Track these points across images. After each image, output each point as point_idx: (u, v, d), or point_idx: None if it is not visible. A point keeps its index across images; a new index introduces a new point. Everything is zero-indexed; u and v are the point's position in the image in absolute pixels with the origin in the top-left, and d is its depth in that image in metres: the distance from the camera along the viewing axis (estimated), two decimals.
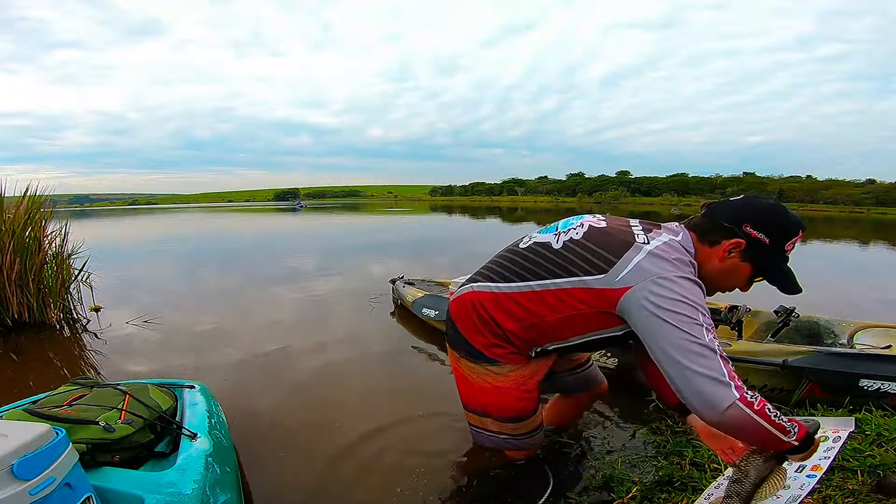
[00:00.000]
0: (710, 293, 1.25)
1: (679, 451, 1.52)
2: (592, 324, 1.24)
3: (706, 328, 1.04)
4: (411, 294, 3.68)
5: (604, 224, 1.28)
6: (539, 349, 1.37)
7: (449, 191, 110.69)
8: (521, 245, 1.39)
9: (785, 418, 1.00)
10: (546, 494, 1.38)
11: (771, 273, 1.19)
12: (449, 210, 33.97)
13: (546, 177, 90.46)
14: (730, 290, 1.27)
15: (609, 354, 2.32)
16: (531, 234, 1.41)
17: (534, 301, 1.27)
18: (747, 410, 0.96)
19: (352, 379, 2.63)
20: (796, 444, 1.00)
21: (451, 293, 3.51)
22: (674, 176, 69.84)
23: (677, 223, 1.27)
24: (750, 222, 1.15)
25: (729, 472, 1.17)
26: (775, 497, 1.09)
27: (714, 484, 1.27)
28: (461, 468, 1.67)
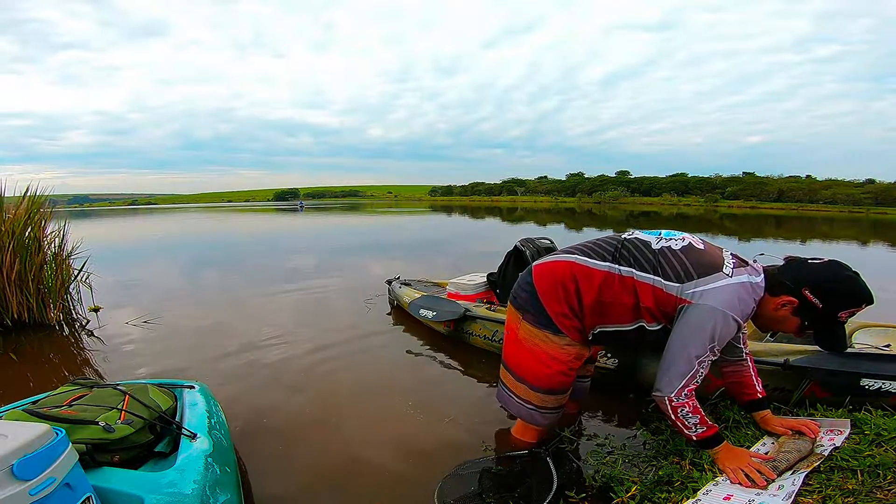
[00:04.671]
0: (764, 330, 1.51)
1: (679, 451, 1.52)
2: (650, 316, 1.46)
3: (709, 353, 1.32)
4: (408, 295, 3.67)
5: (702, 246, 1.47)
6: (598, 330, 1.55)
7: (449, 191, 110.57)
8: (624, 236, 1.57)
9: (694, 421, 1.35)
10: (550, 495, 1.38)
11: (816, 332, 1.40)
12: (448, 210, 33.97)
13: (546, 177, 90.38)
14: (783, 332, 1.46)
15: (609, 355, 2.32)
16: (634, 230, 1.60)
17: (617, 283, 1.46)
18: (667, 404, 1.36)
19: (350, 380, 2.63)
20: (695, 439, 1.37)
21: (449, 294, 3.52)
22: (673, 176, 69.71)
23: (761, 265, 1.45)
24: (810, 286, 1.32)
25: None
26: (772, 496, 1.16)
27: (713, 482, 1.28)
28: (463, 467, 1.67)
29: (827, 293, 1.31)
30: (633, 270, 1.45)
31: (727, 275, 1.36)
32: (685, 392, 1.34)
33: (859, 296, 1.30)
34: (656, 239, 1.50)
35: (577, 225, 17.96)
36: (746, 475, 1.25)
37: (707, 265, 1.38)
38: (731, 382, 1.60)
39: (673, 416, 1.37)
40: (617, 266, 1.47)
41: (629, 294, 1.46)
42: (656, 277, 1.41)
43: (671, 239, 1.49)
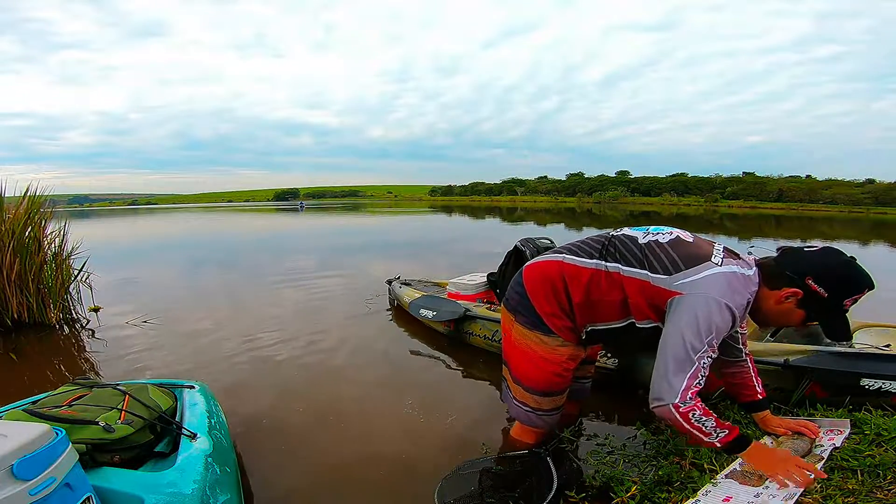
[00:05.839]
0: (762, 326, 1.48)
1: (679, 451, 1.51)
2: (639, 312, 1.42)
3: (707, 347, 1.23)
4: (408, 294, 3.67)
5: (690, 239, 1.43)
6: (589, 329, 1.52)
7: (449, 191, 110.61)
8: (611, 233, 1.55)
9: (711, 425, 1.22)
10: (550, 495, 1.38)
11: (823, 323, 1.35)
12: (448, 210, 33.95)
13: (546, 177, 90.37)
14: (784, 327, 1.44)
15: (609, 355, 2.32)
16: (623, 227, 1.57)
17: (605, 280, 1.43)
18: (674, 412, 1.21)
19: (350, 380, 2.63)
20: (719, 445, 1.24)
21: (449, 294, 3.52)
22: (673, 176, 69.68)
23: (754, 258, 1.41)
24: (813, 276, 1.27)
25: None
26: (772, 497, 1.15)
27: (711, 482, 1.27)
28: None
29: (831, 282, 1.26)
30: (620, 266, 1.42)
31: (716, 264, 1.30)
32: (689, 394, 1.21)
33: (862, 281, 1.26)
34: (643, 234, 1.47)
35: (578, 225, 17.95)
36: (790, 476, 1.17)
37: (695, 256, 1.34)
38: (731, 383, 1.59)
39: (686, 425, 1.22)
40: (604, 263, 1.45)
41: (617, 290, 1.42)
42: (643, 271, 1.37)
43: (658, 233, 1.46)
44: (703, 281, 1.28)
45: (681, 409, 1.21)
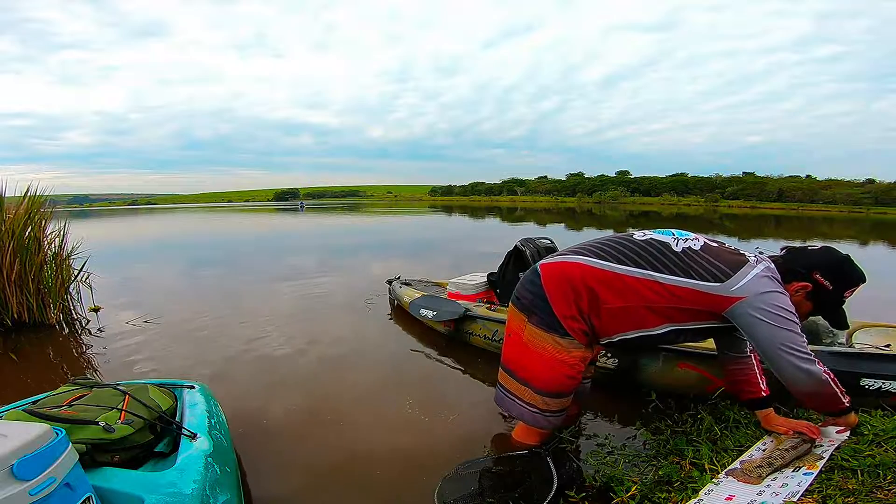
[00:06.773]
0: None
1: (679, 450, 1.52)
2: (686, 317, 1.46)
3: (799, 325, 1.36)
4: (408, 294, 3.68)
5: (715, 244, 1.51)
6: (617, 338, 1.53)
7: (449, 191, 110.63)
8: (638, 237, 1.56)
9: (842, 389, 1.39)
10: (550, 495, 1.38)
11: (828, 312, 1.48)
12: (448, 210, 33.95)
13: (546, 177, 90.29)
14: None
15: (609, 355, 2.32)
16: (643, 230, 1.60)
17: (646, 287, 1.45)
18: (829, 380, 1.35)
19: (350, 380, 2.63)
20: (848, 405, 1.40)
21: (449, 293, 3.51)
22: (673, 176, 69.59)
23: (765, 255, 1.51)
24: (820, 270, 1.42)
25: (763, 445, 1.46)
26: (773, 494, 1.15)
27: (713, 482, 1.27)
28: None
29: (835, 275, 1.41)
30: (661, 274, 1.44)
31: (754, 265, 1.41)
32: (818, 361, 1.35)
33: (859, 275, 1.43)
34: (673, 240, 1.51)
35: (578, 225, 17.95)
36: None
37: (734, 262, 1.43)
38: (735, 380, 1.60)
39: (835, 388, 1.37)
40: (640, 269, 1.45)
41: (659, 296, 1.44)
42: (689, 280, 1.42)
43: (687, 239, 1.51)
44: (755, 281, 1.38)
45: (831, 377, 1.36)
